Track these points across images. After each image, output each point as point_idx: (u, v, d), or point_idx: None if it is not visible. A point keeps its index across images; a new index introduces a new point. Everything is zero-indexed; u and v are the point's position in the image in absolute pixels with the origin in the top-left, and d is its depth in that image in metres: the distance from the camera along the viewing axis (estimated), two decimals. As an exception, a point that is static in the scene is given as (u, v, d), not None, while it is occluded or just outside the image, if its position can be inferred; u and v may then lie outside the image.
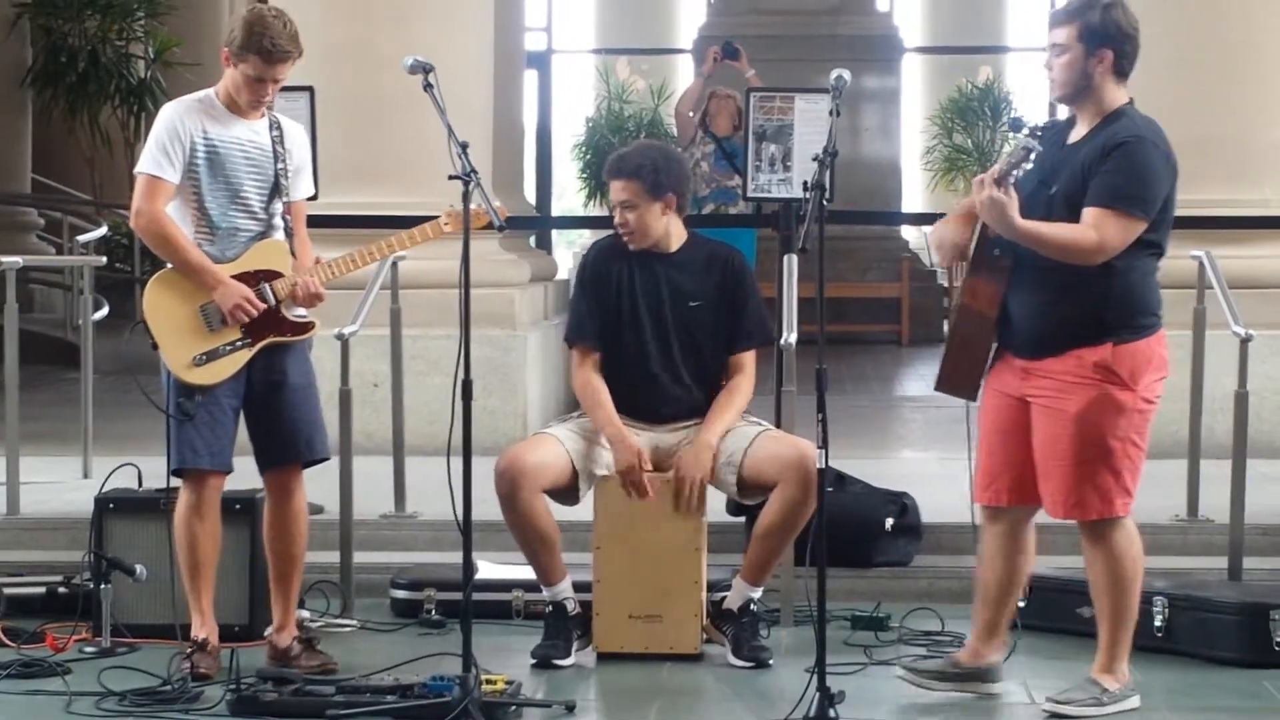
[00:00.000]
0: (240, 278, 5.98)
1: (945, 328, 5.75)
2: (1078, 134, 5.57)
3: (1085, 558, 5.68)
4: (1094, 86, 5.49)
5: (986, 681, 5.81)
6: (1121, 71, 5.51)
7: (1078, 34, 5.46)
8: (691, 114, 11.52)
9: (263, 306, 5.98)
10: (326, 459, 6.29)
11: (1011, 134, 5.23)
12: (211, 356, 5.97)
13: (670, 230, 6.46)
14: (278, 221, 6.10)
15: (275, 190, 6.09)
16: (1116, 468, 5.52)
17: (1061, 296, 5.49)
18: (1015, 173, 5.40)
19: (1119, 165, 5.40)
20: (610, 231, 6.57)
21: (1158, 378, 5.58)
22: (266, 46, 5.90)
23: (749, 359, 6.48)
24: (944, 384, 5.74)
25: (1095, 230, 5.39)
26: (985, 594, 5.79)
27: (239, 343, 5.99)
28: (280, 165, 6.08)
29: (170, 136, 5.97)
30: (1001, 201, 5.37)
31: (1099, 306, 5.48)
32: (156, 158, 5.96)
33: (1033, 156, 5.39)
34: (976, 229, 5.59)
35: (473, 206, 5.73)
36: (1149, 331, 5.54)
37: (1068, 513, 5.58)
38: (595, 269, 6.52)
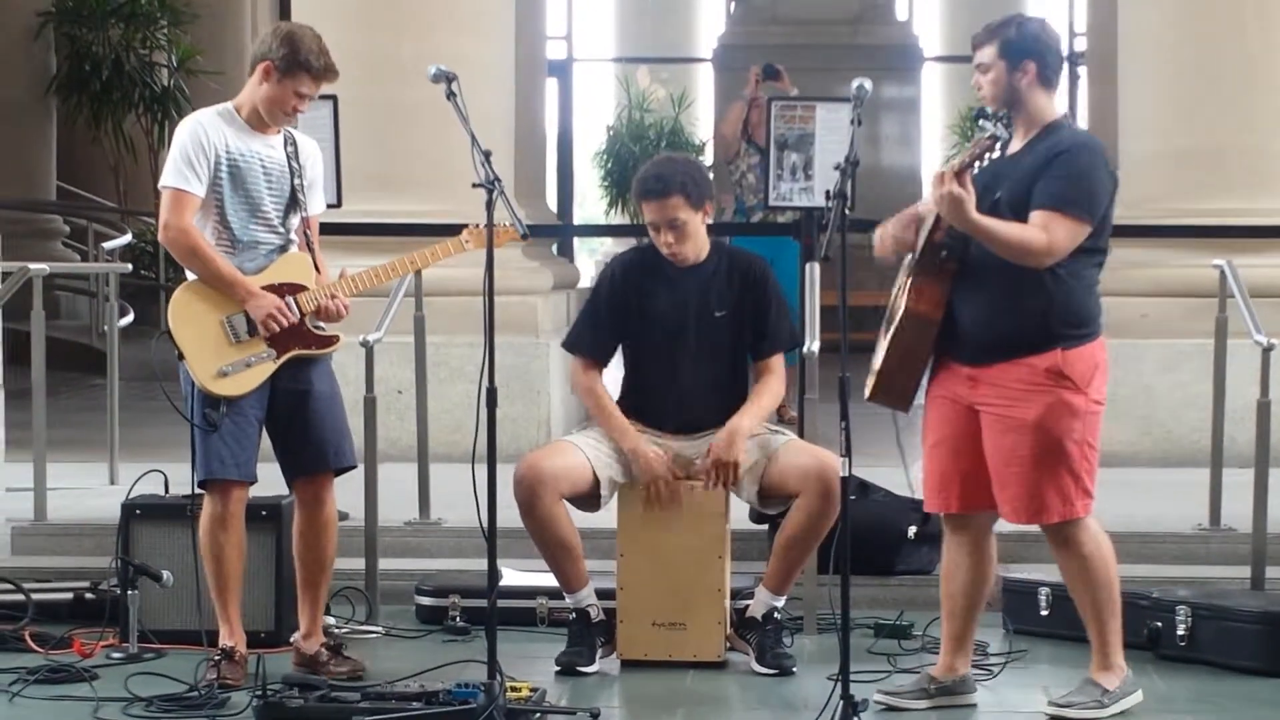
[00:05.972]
0: (266, 290, 6.00)
1: (882, 335, 5.80)
2: (1016, 145, 5.68)
3: (1057, 563, 5.77)
4: (1022, 99, 5.63)
5: (963, 694, 5.85)
6: (1047, 81, 5.66)
7: (999, 51, 5.63)
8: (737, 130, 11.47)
9: (294, 318, 6.01)
10: (354, 467, 6.34)
11: (980, 122, 5.38)
12: (236, 368, 5.99)
13: (702, 240, 6.49)
14: (294, 235, 6.13)
15: (293, 204, 6.11)
16: (1075, 470, 5.61)
17: (1008, 303, 5.58)
18: (980, 162, 5.52)
19: (1064, 170, 5.54)
20: (633, 244, 6.57)
21: (1103, 380, 5.69)
22: (317, 66, 5.95)
23: (777, 361, 6.50)
24: (879, 395, 5.78)
25: (1044, 231, 5.50)
26: (952, 606, 5.81)
27: (264, 355, 6.01)
28: (297, 180, 6.10)
29: (195, 149, 5.96)
30: (961, 196, 5.46)
31: (1044, 313, 5.57)
32: (182, 171, 5.96)
33: (999, 145, 5.51)
34: (924, 230, 5.65)
35: (497, 223, 5.77)
36: (1092, 337, 5.66)
37: (1030, 518, 5.65)
38: (616, 285, 6.49)
